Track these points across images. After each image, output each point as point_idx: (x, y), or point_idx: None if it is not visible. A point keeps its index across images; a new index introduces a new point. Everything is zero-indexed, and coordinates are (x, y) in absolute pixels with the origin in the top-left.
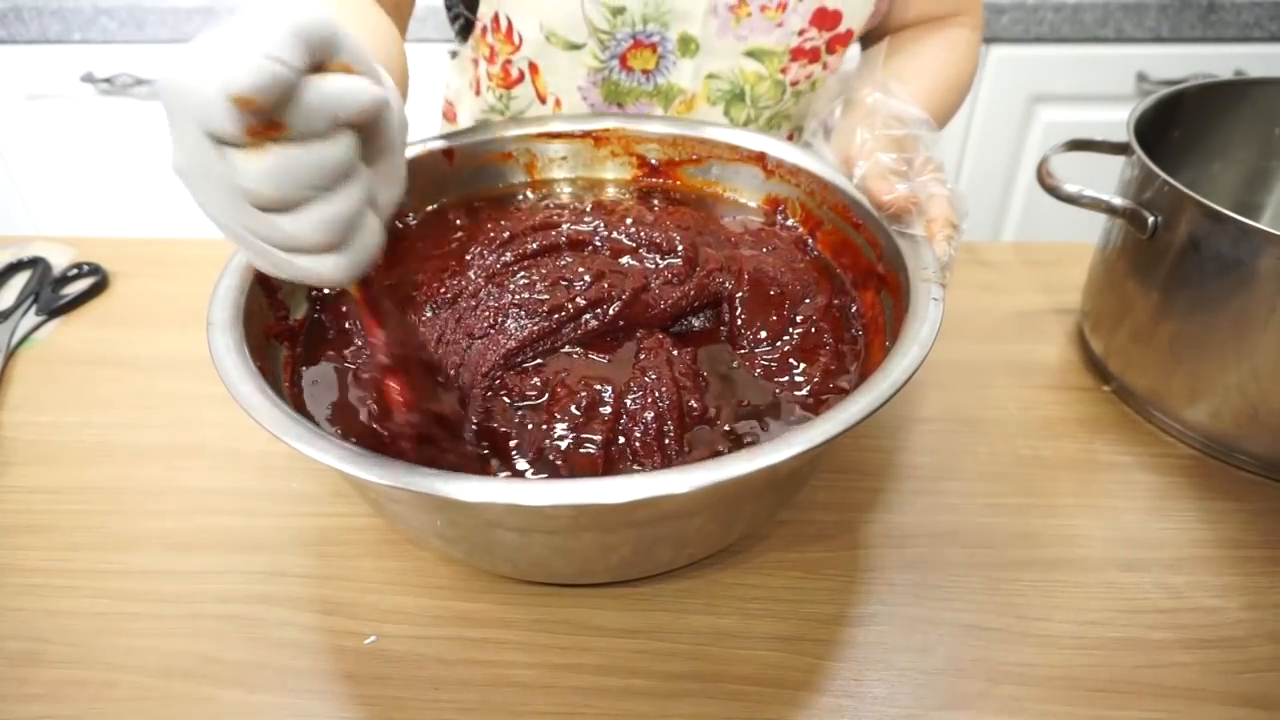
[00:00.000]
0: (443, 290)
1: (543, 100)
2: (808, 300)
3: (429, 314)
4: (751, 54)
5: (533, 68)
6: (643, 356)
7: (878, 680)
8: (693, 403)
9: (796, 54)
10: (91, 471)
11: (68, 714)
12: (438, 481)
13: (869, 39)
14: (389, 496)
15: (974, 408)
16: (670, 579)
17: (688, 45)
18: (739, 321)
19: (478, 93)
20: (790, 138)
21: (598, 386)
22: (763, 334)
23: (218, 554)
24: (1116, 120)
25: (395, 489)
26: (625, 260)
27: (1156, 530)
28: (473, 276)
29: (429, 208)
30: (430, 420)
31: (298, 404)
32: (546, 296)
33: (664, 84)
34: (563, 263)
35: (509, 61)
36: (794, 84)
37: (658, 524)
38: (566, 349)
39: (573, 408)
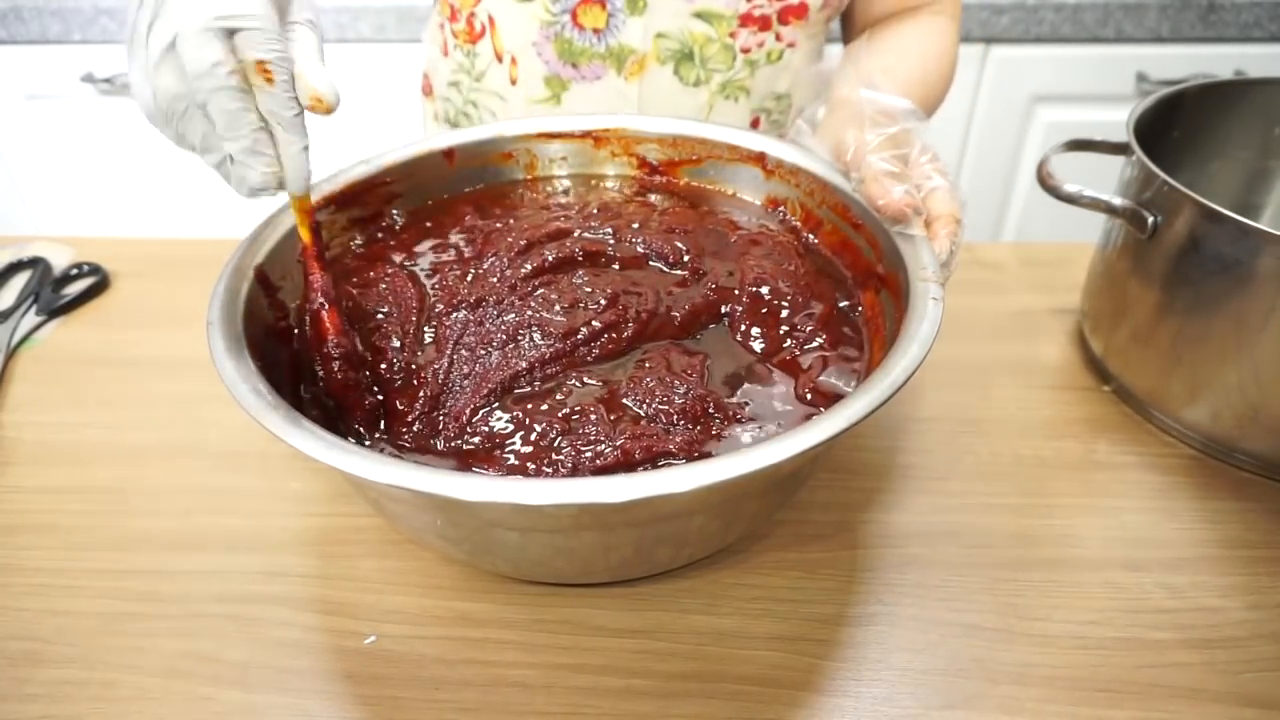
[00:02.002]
0: (465, 291)
1: (500, 59)
2: (809, 311)
3: (451, 314)
4: (700, 15)
5: (491, 21)
6: (647, 365)
7: (878, 680)
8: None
9: (746, 20)
10: (92, 471)
11: (68, 714)
12: (439, 480)
13: (847, 30)
14: (389, 496)
15: (974, 408)
16: (670, 579)
17: (636, 3)
18: (741, 332)
19: (445, 53)
20: (755, 123)
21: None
22: (763, 345)
23: (218, 554)
24: (1116, 120)
25: (396, 488)
26: (636, 271)
27: (1157, 530)
28: (495, 283)
29: (428, 202)
30: (352, 350)
31: (297, 404)
32: (564, 319)
33: (615, 45)
34: (580, 281)
35: (472, 15)
36: (745, 50)
37: (658, 523)
38: (574, 376)
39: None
